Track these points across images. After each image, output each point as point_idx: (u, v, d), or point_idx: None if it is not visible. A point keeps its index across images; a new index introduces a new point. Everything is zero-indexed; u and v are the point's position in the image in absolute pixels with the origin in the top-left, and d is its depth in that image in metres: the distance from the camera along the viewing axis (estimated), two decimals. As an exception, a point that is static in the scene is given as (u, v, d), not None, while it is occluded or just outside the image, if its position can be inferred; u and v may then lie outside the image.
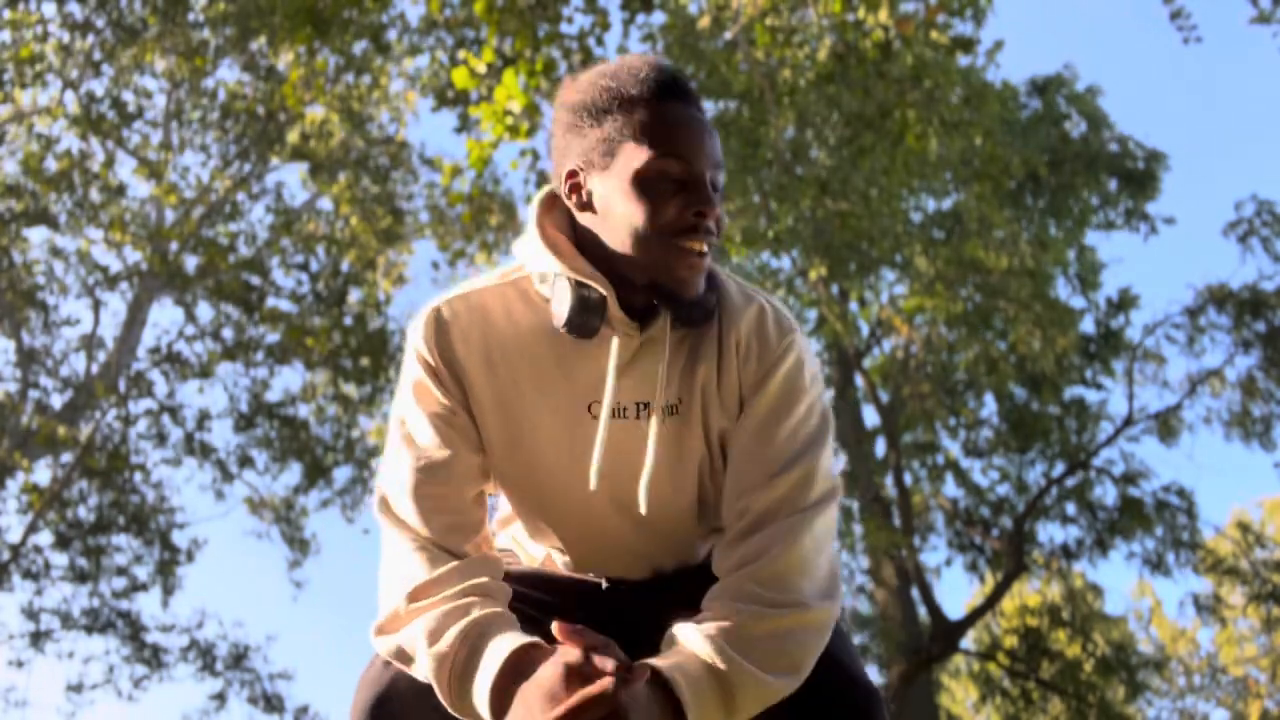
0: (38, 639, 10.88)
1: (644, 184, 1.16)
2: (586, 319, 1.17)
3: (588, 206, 1.22)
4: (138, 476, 10.88)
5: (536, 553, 1.42)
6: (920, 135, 7.83)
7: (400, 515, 1.20)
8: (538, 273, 1.24)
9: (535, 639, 1.07)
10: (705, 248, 1.17)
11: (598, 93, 1.20)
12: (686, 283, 1.17)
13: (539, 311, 1.24)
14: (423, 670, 1.10)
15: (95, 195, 10.55)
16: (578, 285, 1.17)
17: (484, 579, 1.15)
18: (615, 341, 1.20)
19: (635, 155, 1.17)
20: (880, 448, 12.57)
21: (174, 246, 10.48)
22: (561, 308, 1.18)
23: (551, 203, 1.27)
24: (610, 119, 1.19)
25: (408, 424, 1.24)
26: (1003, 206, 10.69)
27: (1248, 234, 10.57)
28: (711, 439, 1.26)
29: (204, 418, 10.96)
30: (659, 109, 1.18)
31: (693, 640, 1.07)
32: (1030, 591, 12.97)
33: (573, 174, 1.23)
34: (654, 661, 1.05)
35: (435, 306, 1.26)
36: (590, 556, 1.34)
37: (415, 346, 1.25)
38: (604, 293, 1.18)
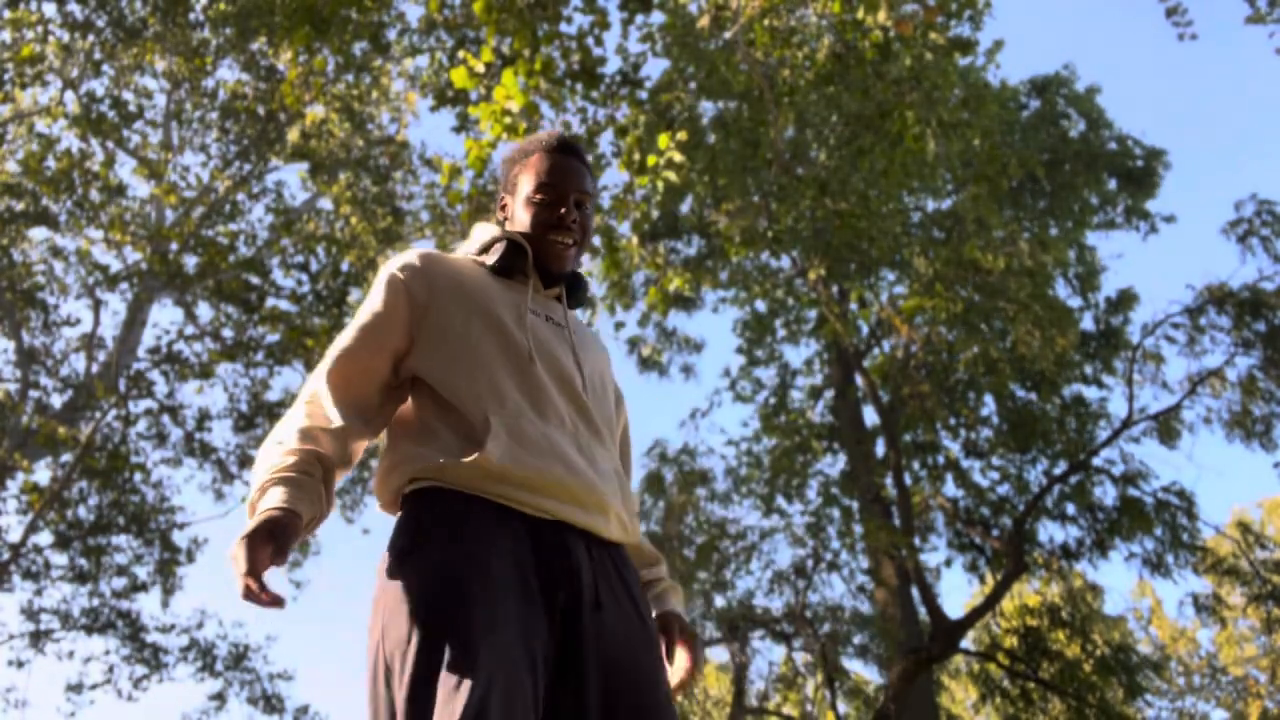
0: (38, 639, 10.89)
1: (527, 199, 1.80)
2: (514, 263, 1.77)
3: (508, 218, 1.86)
4: (138, 476, 10.88)
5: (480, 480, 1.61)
6: (919, 136, 7.84)
7: (324, 378, 1.64)
8: (480, 244, 1.83)
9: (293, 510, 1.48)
10: (568, 239, 1.78)
11: (515, 152, 1.89)
12: (555, 259, 1.78)
13: (485, 272, 1.80)
14: (259, 471, 1.55)
15: (95, 195, 10.55)
16: (508, 242, 1.77)
17: (328, 451, 1.58)
18: (531, 283, 1.79)
19: (526, 183, 1.82)
20: (880, 448, 12.58)
21: (174, 246, 10.48)
22: (497, 257, 1.77)
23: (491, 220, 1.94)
24: (518, 164, 1.86)
25: (359, 320, 1.68)
26: (1002, 207, 10.70)
27: (1248, 234, 10.58)
28: (606, 372, 1.86)
29: (204, 418, 10.96)
30: (542, 156, 1.83)
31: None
32: (1030, 591, 12.97)
33: (501, 199, 1.89)
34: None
35: (419, 250, 1.76)
36: (537, 445, 1.59)
37: (398, 263, 1.72)
38: (526, 246, 1.77)
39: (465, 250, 1.86)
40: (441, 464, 1.53)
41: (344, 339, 1.68)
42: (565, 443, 1.61)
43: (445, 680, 1.30)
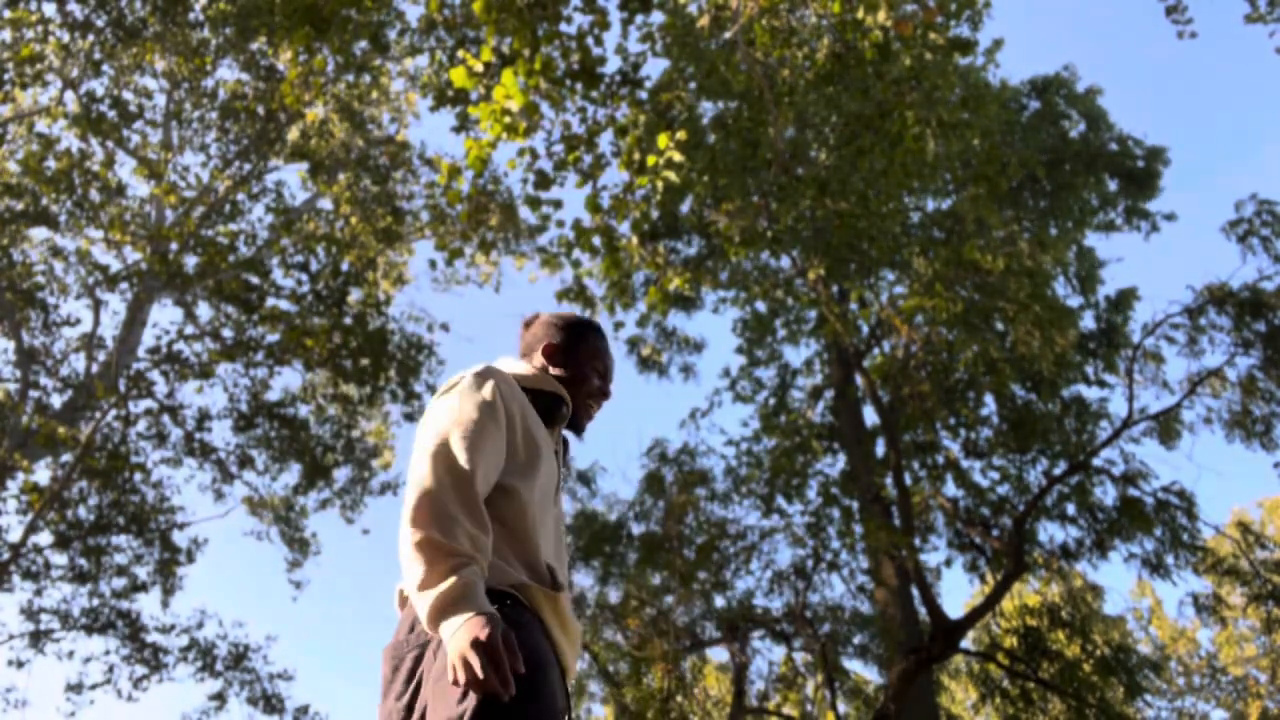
0: (38, 639, 10.89)
1: (594, 371, 2.19)
2: (558, 416, 2.09)
3: (556, 369, 2.18)
4: (138, 476, 10.88)
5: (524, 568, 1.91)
6: (918, 136, 7.84)
7: (471, 477, 1.75)
8: (535, 384, 2.10)
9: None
10: (594, 411, 2.21)
11: (581, 325, 2.25)
12: (587, 421, 2.19)
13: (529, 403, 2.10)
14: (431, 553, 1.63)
15: (95, 195, 10.56)
16: (559, 400, 2.10)
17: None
18: (558, 430, 2.14)
19: (591, 358, 2.19)
20: (880, 448, 12.57)
21: (174, 246, 10.48)
22: (553, 409, 2.09)
23: (524, 354, 2.26)
24: (585, 340, 2.22)
25: (475, 428, 1.81)
26: (1002, 207, 10.69)
27: (1248, 234, 10.57)
28: None
29: (203, 418, 10.96)
30: (604, 341, 2.26)
31: None
32: (1030, 592, 12.97)
33: (548, 345, 2.20)
34: None
35: (499, 370, 2.00)
36: (559, 555, 1.98)
37: (490, 385, 1.91)
38: (568, 409, 2.12)
39: (514, 370, 2.13)
40: (532, 589, 1.78)
41: (470, 434, 1.80)
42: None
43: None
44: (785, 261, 12.31)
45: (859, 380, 12.72)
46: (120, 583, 11.28)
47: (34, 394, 10.97)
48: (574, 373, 2.16)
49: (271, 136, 11.48)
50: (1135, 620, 19.45)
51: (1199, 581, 11.51)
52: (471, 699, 1.51)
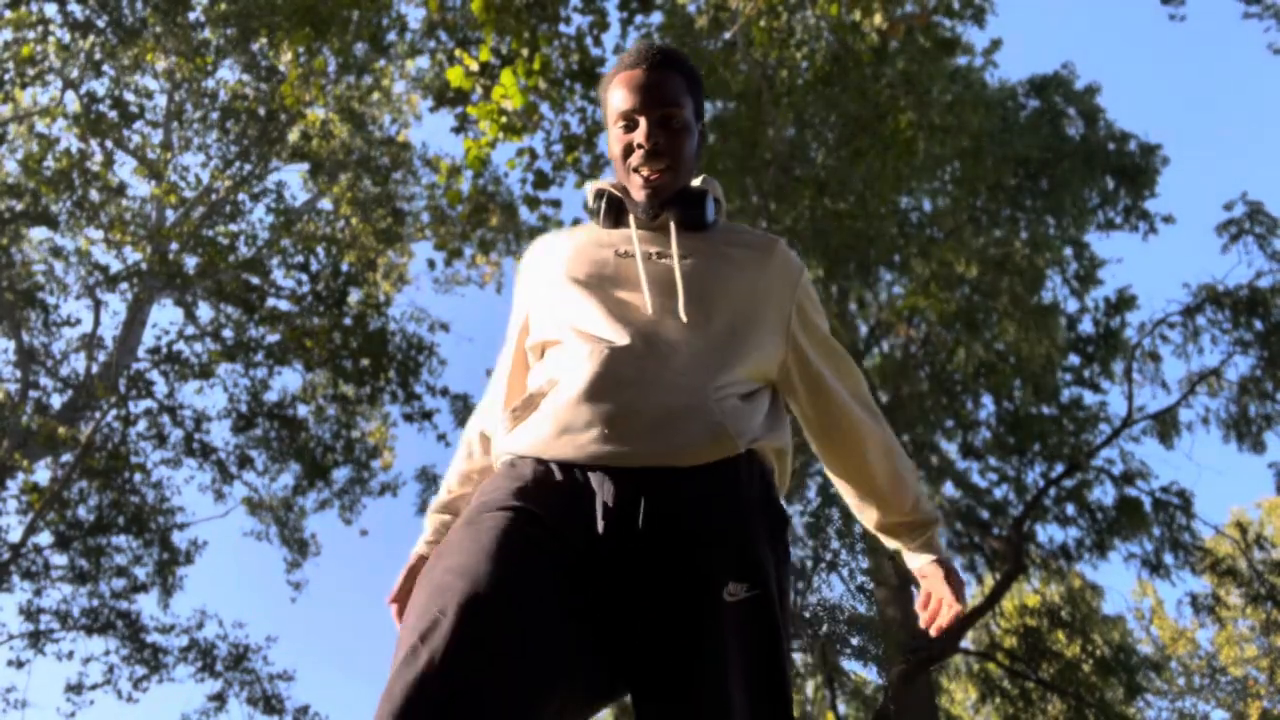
0: (38, 639, 10.88)
1: (613, 136, 1.69)
2: (611, 213, 1.69)
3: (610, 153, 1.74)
4: (138, 476, 10.89)
5: (545, 423, 1.52)
6: (911, 139, 7.85)
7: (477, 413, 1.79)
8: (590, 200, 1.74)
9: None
10: (656, 166, 1.63)
11: (603, 82, 1.74)
12: (645, 193, 1.65)
13: (591, 228, 1.75)
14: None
15: (95, 195, 10.56)
16: (601, 193, 1.71)
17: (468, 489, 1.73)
18: (633, 222, 1.68)
19: (610, 116, 1.69)
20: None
21: (174, 246, 10.49)
22: (597, 209, 1.70)
23: None
24: (603, 98, 1.73)
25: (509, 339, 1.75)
26: (999, 206, 10.69)
27: (1239, 234, 10.58)
28: (734, 295, 1.61)
29: (200, 420, 10.96)
30: (619, 79, 1.68)
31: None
32: (1029, 592, 12.97)
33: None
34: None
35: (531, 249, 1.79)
36: (614, 387, 1.47)
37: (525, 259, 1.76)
38: (619, 195, 1.69)
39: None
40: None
41: None
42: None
43: None
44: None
45: (858, 380, 12.72)
46: (120, 583, 11.28)
47: (34, 394, 10.97)
48: (612, 150, 1.71)
49: (272, 137, 11.49)
50: (1136, 620, 19.45)
51: (1198, 582, 11.52)
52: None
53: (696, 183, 1.73)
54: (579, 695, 1.34)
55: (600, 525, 1.37)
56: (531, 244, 1.78)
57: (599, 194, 1.70)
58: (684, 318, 1.53)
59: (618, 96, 1.66)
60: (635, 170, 1.64)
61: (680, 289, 1.56)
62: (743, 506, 1.44)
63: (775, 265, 1.68)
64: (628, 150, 1.65)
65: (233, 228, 11.66)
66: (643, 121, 1.63)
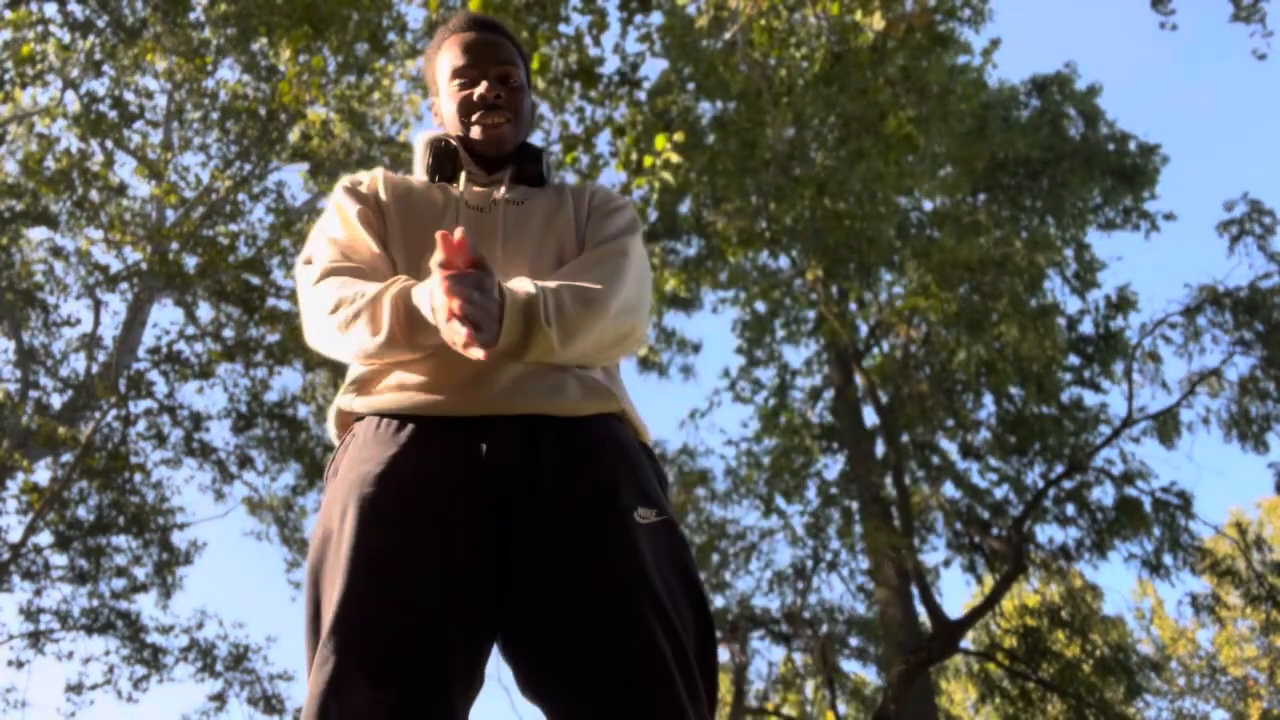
0: (38, 639, 10.89)
1: (447, 92, 1.71)
2: (443, 164, 1.70)
3: (441, 121, 1.77)
4: (138, 476, 10.88)
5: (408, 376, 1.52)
6: (910, 132, 7.85)
7: (321, 269, 1.58)
8: (418, 157, 1.75)
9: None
10: (497, 119, 1.67)
11: (429, 48, 1.79)
12: (486, 144, 1.68)
13: (425, 184, 1.73)
14: (357, 328, 1.46)
15: (95, 195, 10.56)
16: (436, 142, 1.71)
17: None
18: (464, 176, 1.69)
19: (443, 74, 1.73)
20: (880, 448, 12.58)
21: (174, 246, 10.49)
22: (425, 166, 1.71)
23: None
24: (433, 60, 1.77)
25: (330, 229, 1.63)
26: (1000, 206, 10.69)
27: (1240, 234, 10.59)
28: (558, 229, 1.66)
29: (198, 420, 10.95)
30: (451, 41, 1.73)
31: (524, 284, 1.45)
32: (1029, 592, 12.97)
33: (432, 104, 1.79)
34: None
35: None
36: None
37: (344, 182, 1.71)
38: (454, 143, 1.71)
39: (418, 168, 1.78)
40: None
41: None
42: None
43: None
44: (784, 262, 12.33)
45: (858, 380, 12.73)
46: (120, 583, 11.29)
47: (34, 394, 10.98)
48: (444, 108, 1.73)
49: (272, 137, 11.49)
50: (1136, 620, 19.44)
51: (1198, 582, 11.53)
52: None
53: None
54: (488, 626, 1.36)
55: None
56: (364, 171, 1.76)
57: (434, 144, 1.71)
58: (516, 267, 1.56)
59: (451, 55, 1.71)
60: (477, 123, 1.67)
61: (501, 239, 1.60)
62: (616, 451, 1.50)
63: (578, 196, 1.74)
64: (466, 105, 1.68)
65: (233, 228, 11.66)
66: (483, 78, 1.68)
